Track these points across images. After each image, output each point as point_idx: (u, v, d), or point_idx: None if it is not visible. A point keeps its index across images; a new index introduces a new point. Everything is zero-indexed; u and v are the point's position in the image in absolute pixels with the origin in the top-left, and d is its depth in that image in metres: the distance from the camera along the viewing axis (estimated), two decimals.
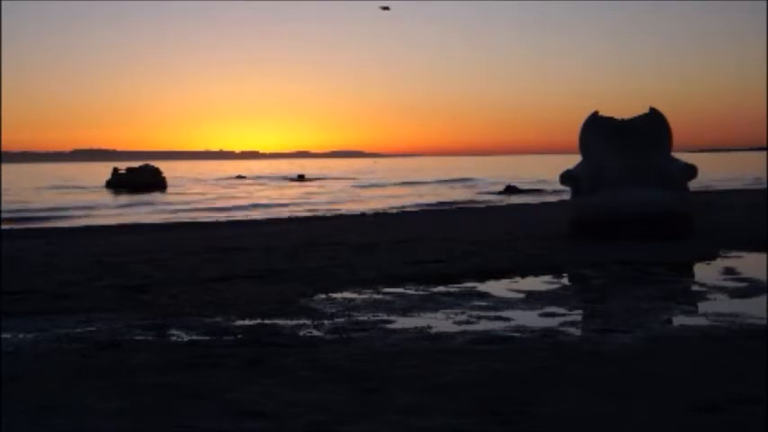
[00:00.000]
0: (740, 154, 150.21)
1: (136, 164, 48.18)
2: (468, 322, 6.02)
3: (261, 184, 51.98)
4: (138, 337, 5.65)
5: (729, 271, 8.26)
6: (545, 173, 47.94)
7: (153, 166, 45.52)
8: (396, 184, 46.93)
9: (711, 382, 4.13)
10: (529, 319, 6.10)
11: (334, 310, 6.55)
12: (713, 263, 8.95)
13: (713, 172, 44.49)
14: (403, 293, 7.31)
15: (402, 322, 6.07)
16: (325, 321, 6.11)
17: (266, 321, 6.17)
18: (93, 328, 5.98)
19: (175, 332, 5.83)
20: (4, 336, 5.75)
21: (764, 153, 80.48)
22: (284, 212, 24.76)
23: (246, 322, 6.14)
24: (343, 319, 6.19)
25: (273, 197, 35.13)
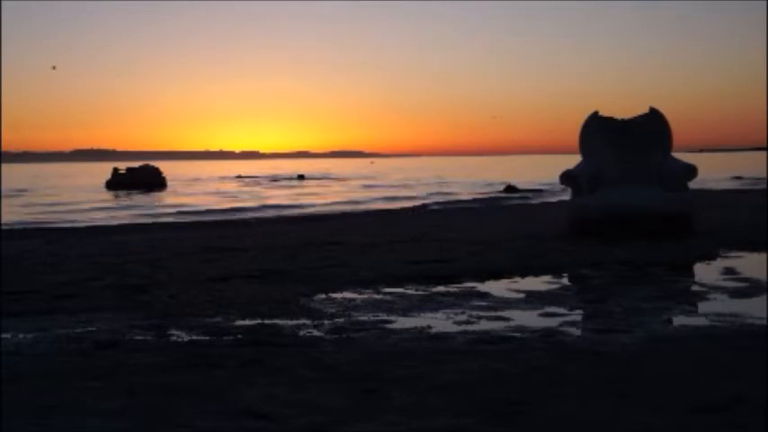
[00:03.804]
0: (740, 154, 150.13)
1: (136, 164, 48.17)
2: (468, 322, 6.02)
3: (260, 184, 51.97)
4: (138, 337, 5.64)
5: (729, 271, 8.26)
6: (545, 173, 47.92)
7: (153, 166, 45.52)
8: (396, 185, 46.89)
9: (711, 382, 4.12)
10: (529, 319, 6.09)
11: (334, 310, 6.55)
12: (713, 263, 8.95)
13: (713, 172, 44.50)
14: (403, 293, 7.30)
15: (402, 322, 6.07)
16: (325, 321, 6.11)
17: (266, 321, 6.16)
18: (93, 328, 5.98)
19: (175, 332, 5.82)
20: (4, 336, 5.75)
21: (764, 153, 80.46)
22: (284, 212, 24.76)
23: (246, 322, 6.13)
24: (343, 319, 6.18)
25: (273, 197, 35.12)
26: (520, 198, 29.69)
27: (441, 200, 29.80)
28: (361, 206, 27.28)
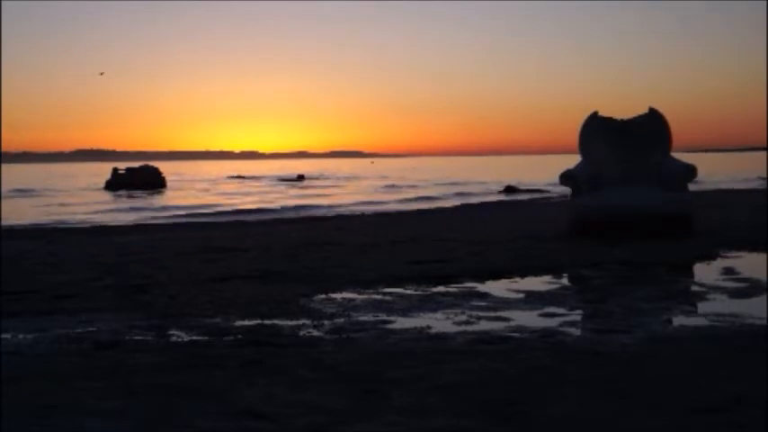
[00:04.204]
0: (740, 154, 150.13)
1: (136, 164, 48.15)
2: (467, 322, 6.02)
3: (260, 185, 51.96)
4: (137, 337, 5.65)
5: (729, 271, 8.26)
6: (545, 173, 47.93)
7: (153, 167, 45.49)
8: (397, 185, 46.87)
9: (711, 382, 4.12)
10: (529, 319, 6.09)
11: (334, 311, 6.55)
12: (713, 263, 8.95)
13: (714, 172, 44.50)
14: (403, 294, 7.30)
15: (402, 322, 6.07)
16: (325, 321, 6.11)
17: (266, 321, 6.16)
18: (94, 328, 5.98)
19: (175, 332, 5.82)
20: (4, 336, 5.75)
21: (764, 153, 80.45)
22: (284, 213, 24.76)
23: (246, 322, 6.13)
24: (342, 320, 6.18)
25: (273, 198, 35.10)
26: (520, 198, 29.67)
27: (462, 200, 29.63)
28: (382, 207, 27.05)
